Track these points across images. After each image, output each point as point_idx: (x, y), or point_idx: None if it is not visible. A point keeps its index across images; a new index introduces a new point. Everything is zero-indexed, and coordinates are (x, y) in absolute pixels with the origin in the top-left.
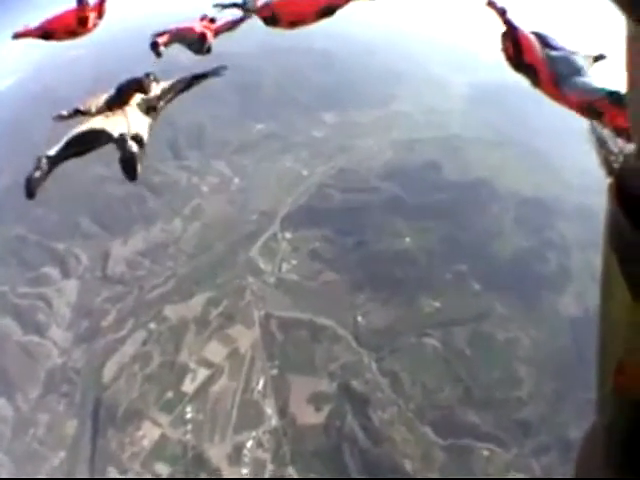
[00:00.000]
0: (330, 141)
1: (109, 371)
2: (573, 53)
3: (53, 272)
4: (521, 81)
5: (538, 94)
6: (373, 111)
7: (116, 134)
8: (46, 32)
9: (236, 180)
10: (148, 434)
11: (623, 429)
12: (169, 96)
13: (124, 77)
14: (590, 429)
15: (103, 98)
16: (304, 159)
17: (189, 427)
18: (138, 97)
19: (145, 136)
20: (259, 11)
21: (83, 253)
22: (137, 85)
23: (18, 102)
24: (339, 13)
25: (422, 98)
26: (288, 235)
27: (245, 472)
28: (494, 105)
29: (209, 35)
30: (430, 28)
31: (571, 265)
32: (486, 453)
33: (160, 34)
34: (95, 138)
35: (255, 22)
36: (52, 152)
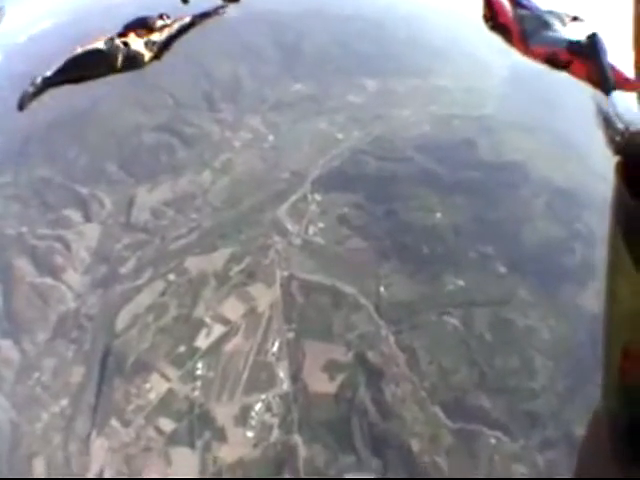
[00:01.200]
0: (367, 108)
1: (122, 320)
2: (545, 12)
3: (75, 215)
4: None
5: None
6: (412, 82)
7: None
8: None
9: (270, 137)
10: (155, 387)
11: (628, 414)
12: (169, 36)
13: None
14: (593, 415)
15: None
16: (340, 123)
17: (198, 383)
18: (140, 34)
19: (132, 47)
20: None
21: (107, 198)
22: (142, 23)
23: (54, 43)
24: None
25: (461, 75)
26: (318, 197)
27: (250, 435)
28: (532, 90)
29: None
30: (475, 9)
31: (596, 260)
32: (493, 441)
33: None
34: (89, 59)
35: None
36: (49, 73)
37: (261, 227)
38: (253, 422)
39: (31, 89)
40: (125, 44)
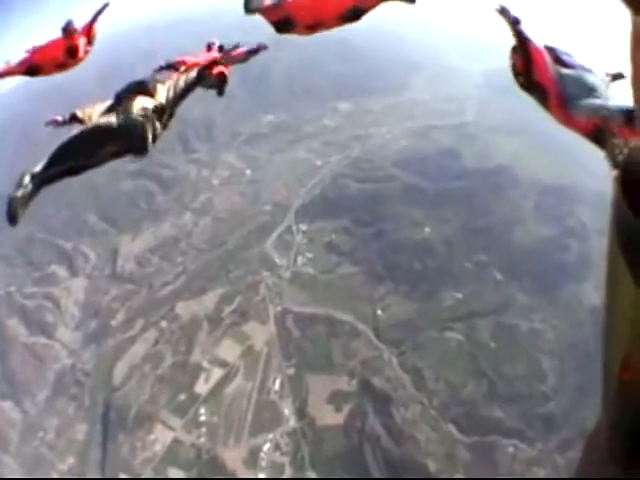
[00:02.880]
0: (343, 130)
1: (119, 372)
2: (588, 71)
3: (60, 271)
4: None
5: None
6: (387, 99)
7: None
8: (31, 68)
9: (247, 172)
10: (160, 438)
11: (627, 424)
12: (177, 96)
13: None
14: (596, 424)
15: (103, 106)
16: (317, 149)
17: (203, 430)
18: (142, 101)
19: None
20: (268, 14)
21: (91, 251)
22: (140, 88)
23: (28, 97)
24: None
25: (437, 86)
26: (303, 227)
27: (262, 476)
28: (509, 93)
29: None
30: (442, 18)
31: (592, 253)
32: (511, 449)
33: (163, 67)
34: (90, 142)
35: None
36: (37, 168)
37: (249, 264)
38: (263, 463)
39: (19, 192)
40: (159, 112)
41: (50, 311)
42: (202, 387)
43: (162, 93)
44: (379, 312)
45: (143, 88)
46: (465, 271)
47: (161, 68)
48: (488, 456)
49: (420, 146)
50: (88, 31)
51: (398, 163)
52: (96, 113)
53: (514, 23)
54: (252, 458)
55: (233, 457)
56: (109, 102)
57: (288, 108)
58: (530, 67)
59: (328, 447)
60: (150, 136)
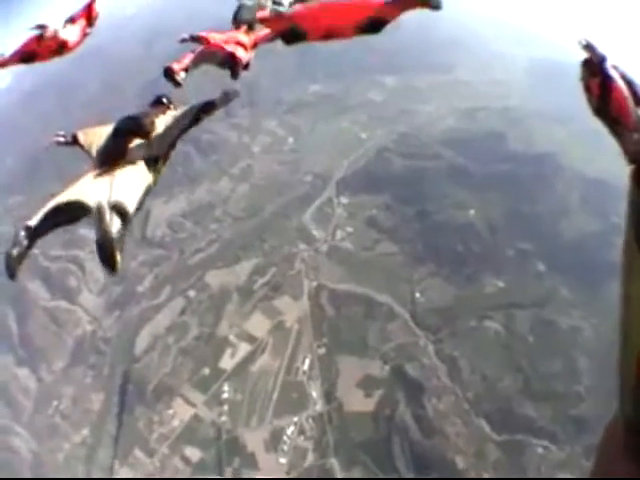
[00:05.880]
0: (389, 105)
1: (141, 342)
2: None
3: (90, 233)
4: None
5: None
6: (433, 77)
7: (93, 203)
8: (26, 56)
9: (289, 140)
10: (179, 413)
11: None
12: (173, 137)
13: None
14: (612, 418)
15: (104, 134)
16: (362, 122)
17: (225, 408)
18: (137, 144)
19: (133, 205)
20: (271, 25)
21: None
22: (135, 126)
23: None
24: None
25: (481, 68)
26: (344, 200)
27: (283, 461)
28: (554, 81)
29: (241, 54)
30: (490, 3)
31: None
32: (540, 450)
33: (186, 39)
34: (75, 210)
35: None
36: (32, 223)
37: (285, 235)
38: (285, 447)
39: (16, 250)
40: (123, 216)
41: (74, 275)
42: (227, 362)
43: (159, 128)
44: (418, 295)
45: (138, 127)
46: (508, 258)
47: (184, 40)
48: (517, 456)
49: (466, 126)
50: (88, 13)
51: (444, 142)
52: (95, 143)
53: (600, 62)
54: (274, 441)
55: (254, 439)
56: (109, 129)
57: (334, 79)
58: (607, 103)
59: (355, 435)
60: (119, 258)
